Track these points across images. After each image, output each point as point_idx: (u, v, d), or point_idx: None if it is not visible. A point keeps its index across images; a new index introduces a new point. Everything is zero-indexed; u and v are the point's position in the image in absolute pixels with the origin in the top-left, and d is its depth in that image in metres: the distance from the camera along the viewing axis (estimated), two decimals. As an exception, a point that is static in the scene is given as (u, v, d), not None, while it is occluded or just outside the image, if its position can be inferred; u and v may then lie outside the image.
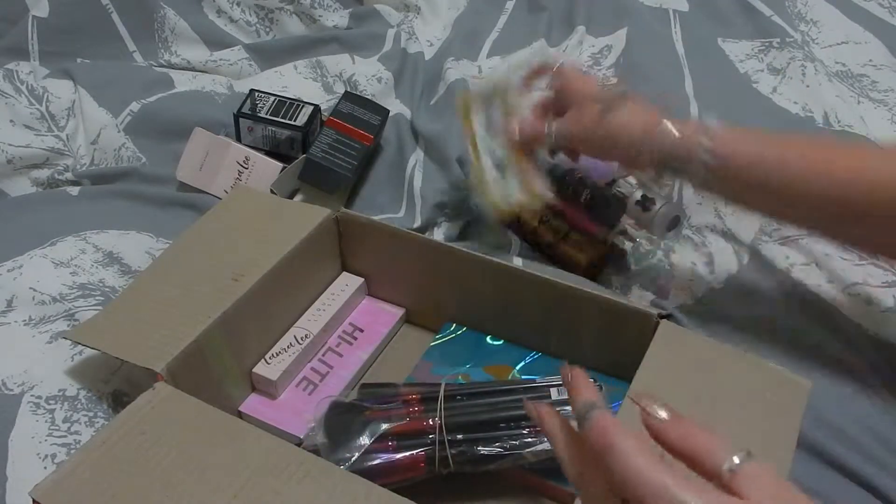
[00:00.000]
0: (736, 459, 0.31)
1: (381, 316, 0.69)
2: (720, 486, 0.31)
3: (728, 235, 0.71)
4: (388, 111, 0.87)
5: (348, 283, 0.69)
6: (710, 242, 0.71)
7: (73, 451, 0.54)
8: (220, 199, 0.79)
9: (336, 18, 1.10)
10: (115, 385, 0.59)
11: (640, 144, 0.59)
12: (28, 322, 0.63)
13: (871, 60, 0.93)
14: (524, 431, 0.54)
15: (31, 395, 0.57)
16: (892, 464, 0.53)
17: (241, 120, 0.83)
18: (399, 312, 0.69)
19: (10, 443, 0.54)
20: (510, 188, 0.67)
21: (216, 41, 1.04)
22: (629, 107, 0.61)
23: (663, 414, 0.35)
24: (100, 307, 0.65)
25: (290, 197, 0.81)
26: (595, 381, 0.58)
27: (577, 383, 0.39)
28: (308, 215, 0.65)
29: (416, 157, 0.85)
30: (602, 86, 0.65)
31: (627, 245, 0.72)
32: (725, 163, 0.56)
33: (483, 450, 0.53)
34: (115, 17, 1.00)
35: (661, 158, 0.58)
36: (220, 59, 1.01)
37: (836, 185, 0.53)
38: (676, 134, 0.57)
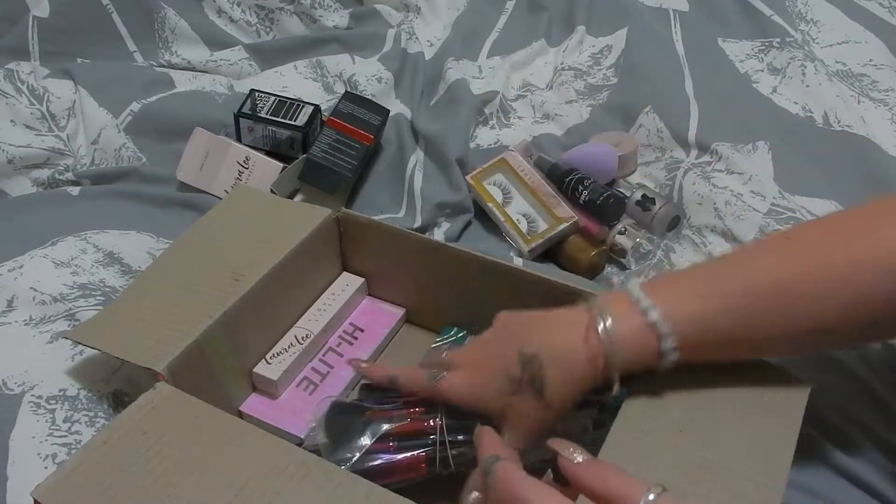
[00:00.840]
0: (650, 496, 0.32)
1: (382, 316, 0.69)
2: None
3: (728, 235, 0.71)
4: (389, 111, 0.87)
5: (349, 283, 0.69)
6: (710, 242, 0.71)
7: (73, 451, 0.54)
8: (221, 199, 0.79)
9: (336, 18, 1.10)
10: (115, 385, 0.59)
11: (589, 382, 0.45)
12: (28, 322, 0.63)
13: (871, 60, 0.93)
14: (524, 431, 0.54)
15: (32, 395, 0.57)
16: (892, 465, 0.53)
17: (241, 120, 0.83)
18: (399, 312, 0.69)
19: (11, 443, 0.54)
20: (539, 223, 0.75)
21: (216, 41, 1.04)
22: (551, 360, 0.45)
23: (578, 458, 0.36)
24: (100, 307, 0.65)
25: (291, 197, 0.81)
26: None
27: (481, 440, 0.40)
28: (308, 215, 0.65)
29: (416, 157, 0.86)
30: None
31: (627, 245, 0.72)
32: (695, 350, 0.45)
33: (483, 450, 0.53)
34: (115, 17, 1.00)
35: (619, 374, 0.44)
36: (221, 59, 1.01)
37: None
38: (626, 351, 0.44)
